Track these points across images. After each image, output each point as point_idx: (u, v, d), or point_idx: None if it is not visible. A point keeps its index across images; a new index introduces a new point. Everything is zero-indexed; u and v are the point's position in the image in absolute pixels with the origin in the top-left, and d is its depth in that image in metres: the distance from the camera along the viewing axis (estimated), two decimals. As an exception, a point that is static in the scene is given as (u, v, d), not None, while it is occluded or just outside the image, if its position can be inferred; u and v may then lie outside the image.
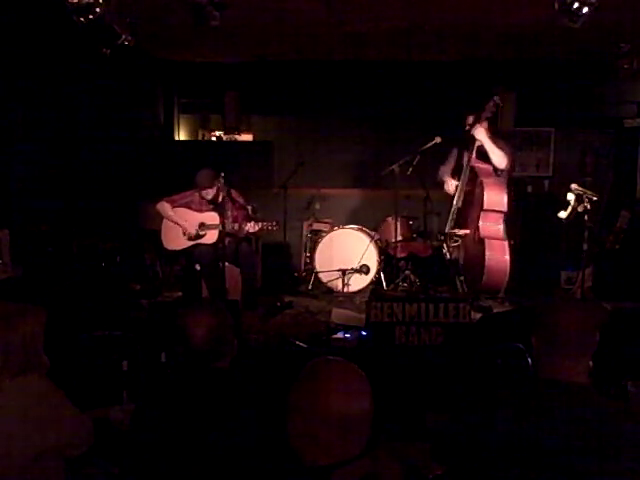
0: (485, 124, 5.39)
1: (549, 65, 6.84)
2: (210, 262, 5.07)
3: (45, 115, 5.72)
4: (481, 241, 5.32)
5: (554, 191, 6.92)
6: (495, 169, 5.36)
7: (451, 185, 5.54)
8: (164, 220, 5.41)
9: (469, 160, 5.41)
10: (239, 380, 2.07)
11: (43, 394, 2.05)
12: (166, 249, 5.47)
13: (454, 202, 5.48)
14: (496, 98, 5.29)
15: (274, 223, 5.27)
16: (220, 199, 5.28)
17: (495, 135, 5.52)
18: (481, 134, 5.30)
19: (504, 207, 5.32)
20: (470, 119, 5.47)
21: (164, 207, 5.39)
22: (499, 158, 5.30)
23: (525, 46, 6.22)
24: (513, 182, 5.78)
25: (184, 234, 5.33)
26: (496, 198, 5.31)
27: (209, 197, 5.27)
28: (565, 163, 7.27)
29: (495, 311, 5.00)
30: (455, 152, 5.65)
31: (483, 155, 5.40)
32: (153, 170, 6.77)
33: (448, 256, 5.41)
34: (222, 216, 5.05)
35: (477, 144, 5.38)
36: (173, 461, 1.88)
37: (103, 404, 2.78)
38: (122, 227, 6.29)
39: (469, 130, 5.43)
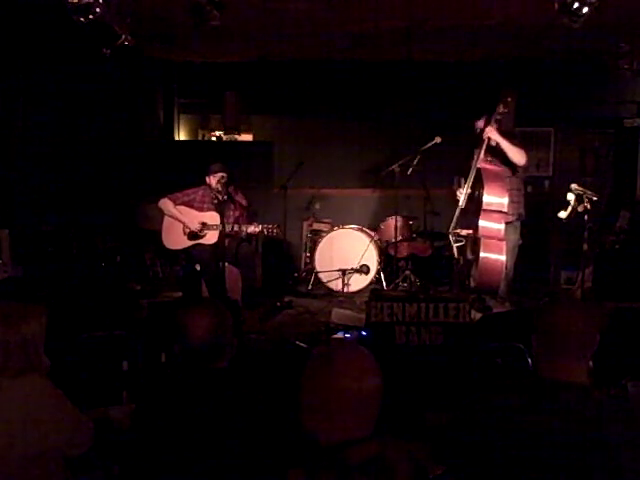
0: (495, 125, 5.36)
1: (549, 65, 6.83)
2: (210, 262, 5.06)
3: (45, 115, 5.72)
4: (479, 240, 5.32)
5: (554, 191, 6.93)
6: (513, 169, 5.33)
7: (459, 193, 5.47)
8: (165, 218, 5.41)
9: (477, 161, 5.38)
10: (239, 380, 2.07)
11: (43, 394, 2.05)
12: (166, 248, 5.46)
13: (459, 202, 5.45)
14: (509, 99, 5.23)
15: (275, 226, 5.27)
16: (224, 197, 5.24)
17: (505, 134, 5.50)
18: (495, 135, 5.23)
19: (504, 208, 5.30)
20: (480, 123, 5.40)
21: (166, 204, 5.38)
22: (518, 155, 5.23)
23: (525, 46, 6.22)
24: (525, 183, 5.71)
25: (184, 233, 5.32)
26: (497, 199, 5.28)
27: (225, 181, 5.16)
28: (565, 163, 7.27)
29: (495, 311, 5.00)
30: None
31: (492, 156, 5.37)
32: (153, 170, 6.76)
33: (456, 256, 5.40)
34: (223, 216, 5.04)
35: (485, 145, 5.33)
36: (173, 461, 1.88)
37: (103, 404, 2.78)
38: (122, 227, 6.29)
39: (480, 133, 5.36)
